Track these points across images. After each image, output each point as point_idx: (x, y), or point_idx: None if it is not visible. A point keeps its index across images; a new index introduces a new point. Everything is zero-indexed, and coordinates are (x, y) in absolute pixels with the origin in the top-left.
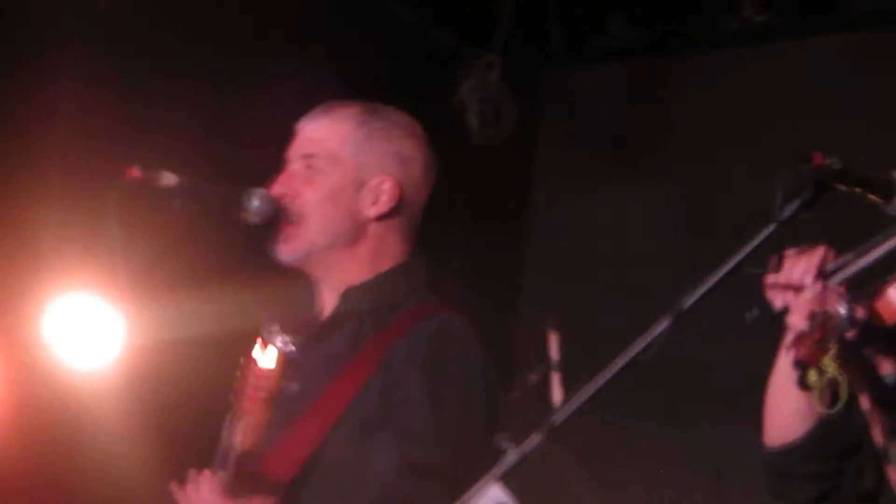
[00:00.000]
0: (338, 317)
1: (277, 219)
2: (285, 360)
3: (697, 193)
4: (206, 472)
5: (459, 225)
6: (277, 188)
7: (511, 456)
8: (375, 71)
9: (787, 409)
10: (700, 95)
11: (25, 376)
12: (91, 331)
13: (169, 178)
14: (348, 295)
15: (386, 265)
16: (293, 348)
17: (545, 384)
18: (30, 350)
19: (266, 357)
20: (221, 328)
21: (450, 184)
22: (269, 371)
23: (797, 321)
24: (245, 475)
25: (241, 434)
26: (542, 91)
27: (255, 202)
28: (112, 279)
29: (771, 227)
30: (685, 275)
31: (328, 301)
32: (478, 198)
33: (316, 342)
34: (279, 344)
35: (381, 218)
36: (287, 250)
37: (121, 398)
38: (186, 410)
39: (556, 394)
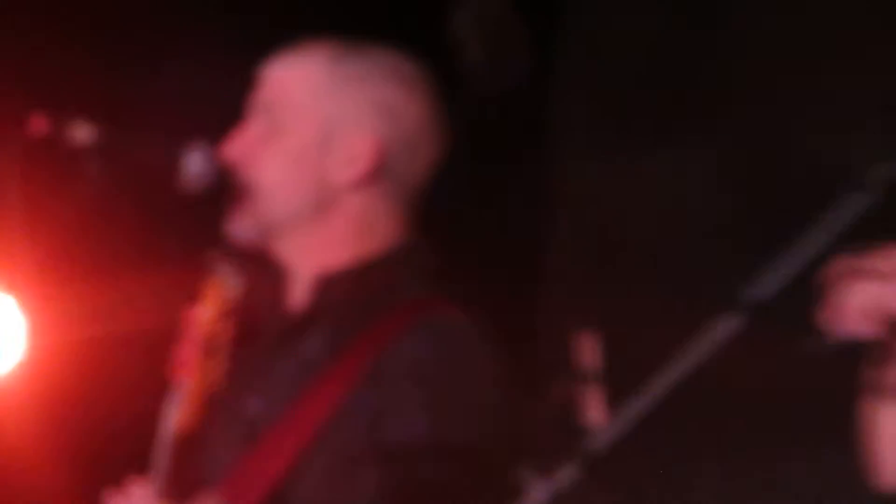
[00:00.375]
0: (311, 313)
1: (226, 187)
2: (231, 304)
3: (761, 149)
4: (138, 478)
5: (460, 198)
6: (229, 150)
7: (536, 492)
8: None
9: None
10: (759, 20)
11: None
12: None
13: (84, 131)
14: (324, 284)
15: (372, 247)
16: (239, 290)
17: (579, 399)
18: None
19: (207, 301)
20: (148, 325)
21: (448, 141)
22: (209, 316)
23: None
24: (183, 467)
25: (176, 414)
26: (560, 23)
27: (196, 165)
28: (10, 266)
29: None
30: (752, 254)
31: (298, 293)
32: (483, 164)
33: (283, 345)
34: (223, 280)
35: (359, 185)
36: (237, 228)
37: (26, 412)
38: (105, 423)
39: (594, 412)
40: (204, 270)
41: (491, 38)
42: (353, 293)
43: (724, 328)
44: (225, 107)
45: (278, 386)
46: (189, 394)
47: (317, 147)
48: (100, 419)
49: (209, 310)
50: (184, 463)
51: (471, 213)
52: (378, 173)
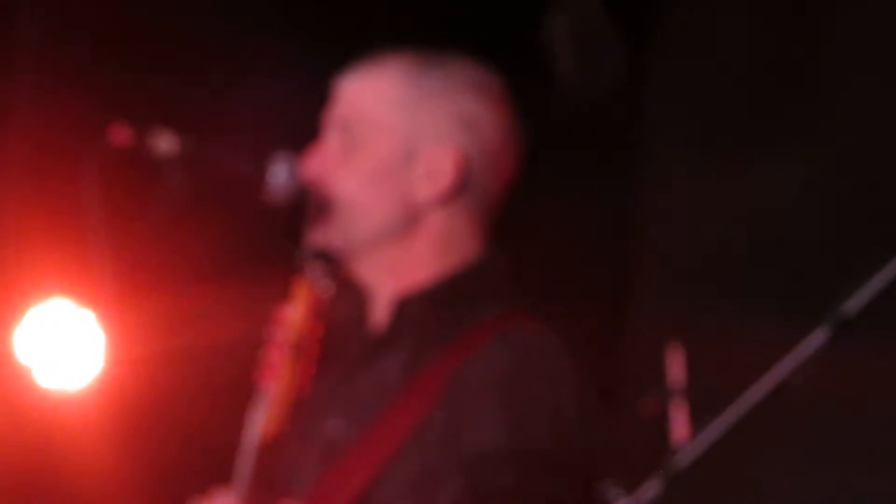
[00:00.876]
0: (392, 333)
1: (308, 200)
2: (321, 306)
3: (859, 160)
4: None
5: (548, 208)
6: (308, 167)
7: None
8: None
9: None
10: (855, 32)
11: None
12: (68, 344)
13: (168, 142)
14: (404, 303)
15: (453, 264)
16: (331, 292)
17: (664, 415)
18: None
19: (296, 302)
20: (229, 337)
21: (532, 153)
22: (299, 317)
23: None
24: (266, 473)
25: (262, 417)
26: (654, 28)
27: (281, 176)
28: (92, 279)
29: None
30: (844, 270)
31: (378, 311)
32: (571, 171)
33: (363, 365)
34: (315, 280)
35: (442, 201)
36: (324, 241)
37: (106, 424)
38: (186, 434)
39: (679, 428)
40: (294, 271)
41: (584, 47)
42: (433, 311)
43: (812, 344)
44: (307, 118)
45: (359, 406)
46: (276, 396)
47: (399, 163)
48: (180, 431)
49: (299, 310)
50: (267, 469)
51: (559, 224)
52: (461, 188)
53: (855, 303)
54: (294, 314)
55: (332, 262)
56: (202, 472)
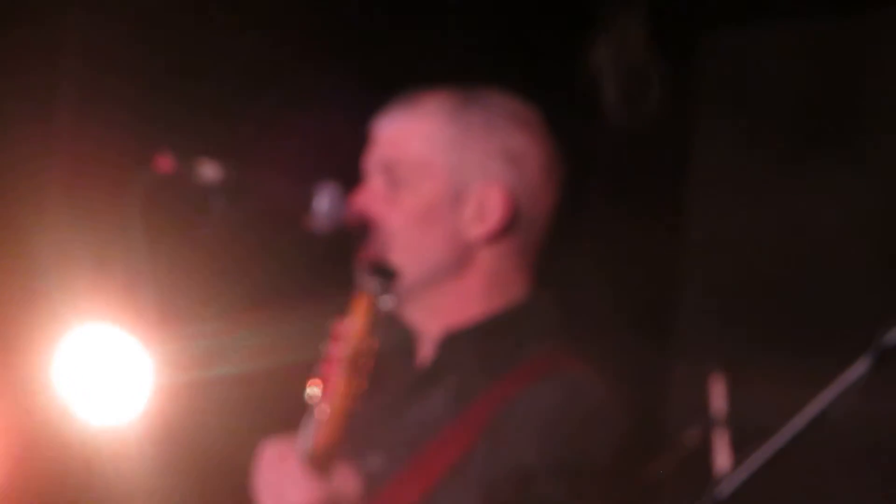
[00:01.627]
0: (436, 369)
1: (353, 233)
2: (378, 316)
3: None
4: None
5: (590, 238)
6: (354, 205)
7: None
8: (481, 37)
9: None
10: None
11: (29, 434)
12: (111, 373)
13: (211, 171)
14: (450, 342)
15: (499, 302)
16: (390, 305)
17: (707, 445)
18: (34, 400)
19: (353, 316)
20: (277, 365)
21: (577, 182)
22: (356, 331)
23: None
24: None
25: (313, 435)
26: (700, 58)
27: (326, 205)
28: (135, 305)
29: None
30: (887, 299)
31: (426, 349)
32: (615, 201)
33: (406, 401)
34: (372, 292)
35: (492, 238)
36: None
37: (150, 456)
38: (231, 462)
39: (721, 457)
40: (353, 286)
41: (627, 74)
42: (479, 348)
43: (855, 374)
44: (352, 149)
45: (400, 441)
46: (329, 410)
47: (448, 203)
48: (225, 459)
49: (356, 325)
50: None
51: (605, 256)
52: (510, 224)
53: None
54: (351, 328)
55: (391, 277)
56: (246, 498)
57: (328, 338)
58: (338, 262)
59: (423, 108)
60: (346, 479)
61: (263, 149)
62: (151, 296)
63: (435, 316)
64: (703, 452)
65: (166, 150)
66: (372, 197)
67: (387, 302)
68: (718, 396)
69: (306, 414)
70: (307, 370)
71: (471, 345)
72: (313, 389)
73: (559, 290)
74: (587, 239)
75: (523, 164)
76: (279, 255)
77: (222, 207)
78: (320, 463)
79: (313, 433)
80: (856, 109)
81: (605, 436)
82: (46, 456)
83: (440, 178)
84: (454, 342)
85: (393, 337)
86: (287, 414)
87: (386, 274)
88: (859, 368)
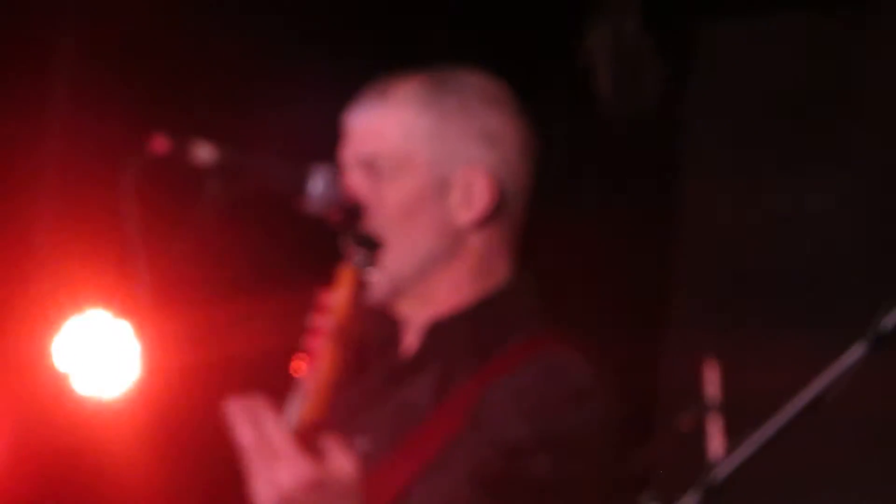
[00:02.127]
0: (422, 356)
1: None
2: (363, 291)
3: (884, 180)
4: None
5: (583, 225)
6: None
7: None
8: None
9: None
10: (884, 52)
11: (32, 408)
12: (104, 354)
13: (206, 151)
14: (437, 330)
15: (486, 287)
16: (372, 277)
17: (700, 430)
18: (36, 378)
19: (338, 288)
20: (266, 347)
21: (571, 170)
22: (341, 303)
23: None
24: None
25: (300, 408)
26: (694, 49)
27: (321, 186)
28: (128, 289)
29: None
30: (882, 286)
31: (412, 335)
32: (608, 189)
33: (392, 387)
34: (357, 264)
35: (480, 223)
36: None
37: (140, 434)
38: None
39: (715, 442)
40: (338, 257)
41: (623, 65)
42: (464, 334)
43: (850, 359)
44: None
45: (386, 425)
46: (315, 383)
47: (432, 193)
48: (214, 442)
49: (341, 296)
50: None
51: (596, 242)
52: (496, 207)
53: (893, 318)
54: (336, 300)
55: (375, 248)
56: (235, 482)
57: (313, 310)
58: (331, 243)
59: (395, 97)
60: (341, 460)
61: (257, 130)
62: (144, 279)
63: (423, 305)
64: (697, 438)
65: (160, 131)
66: (353, 189)
67: (371, 273)
68: (712, 382)
69: (292, 387)
70: (296, 347)
71: (458, 332)
72: (299, 362)
73: (553, 277)
74: (581, 225)
75: (502, 144)
76: (273, 237)
77: (217, 189)
78: (307, 438)
79: (299, 406)
80: (848, 103)
81: (590, 412)
82: (43, 428)
83: (422, 169)
84: (441, 330)
85: (376, 324)
86: (276, 396)
87: (370, 245)
88: (853, 354)
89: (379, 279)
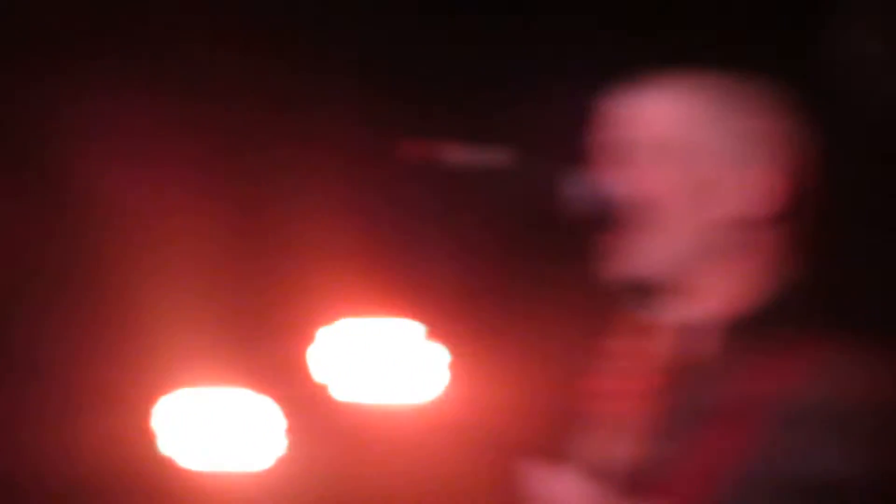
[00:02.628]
0: (706, 359)
1: (608, 220)
2: (644, 333)
3: None
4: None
5: (856, 221)
6: (616, 186)
7: None
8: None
9: None
10: None
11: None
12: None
13: (462, 155)
14: (725, 330)
15: (770, 285)
16: (651, 318)
17: None
18: (304, 384)
19: (621, 334)
20: (562, 356)
21: (836, 170)
22: (625, 349)
23: None
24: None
25: (599, 450)
26: None
27: (583, 189)
28: (423, 295)
29: None
30: None
31: (687, 337)
32: (879, 181)
33: (674, 394)
34: (635, 311)
35: (771, 221)
36: (634, 265)
37: (448, 440)
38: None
39: None
40: (612, 302)
41: (877, 65)
42: (747, 337)
43: None
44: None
45: (671, 432)
46: (612, 426)
47: (731, 185)
48: (517, 451)
49: (624, 342)
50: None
51: (875, 239)
52: (787, 207)
53: None
54: (620, 346)
55: (650, 292)
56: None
57: (598, 356)
58: (592, 247)
59: (674, 89)
60: None
61: (514, 131)
62: (424, 288)
63: (700, 300)
64: None
65: (412, 136)
66: (639, 177)
67: (650, 316)
68: None
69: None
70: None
71: (745, 331)
72: (613, 402)
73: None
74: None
75: (788, 146)
76: (538, 241)
77: (477, 193)
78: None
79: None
80: None
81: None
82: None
83: (720, 159)
84: (728, 330)
85: (659, 326)
86: (571, 409)
87: (644, 290)
88: None
89: (650, 257)
